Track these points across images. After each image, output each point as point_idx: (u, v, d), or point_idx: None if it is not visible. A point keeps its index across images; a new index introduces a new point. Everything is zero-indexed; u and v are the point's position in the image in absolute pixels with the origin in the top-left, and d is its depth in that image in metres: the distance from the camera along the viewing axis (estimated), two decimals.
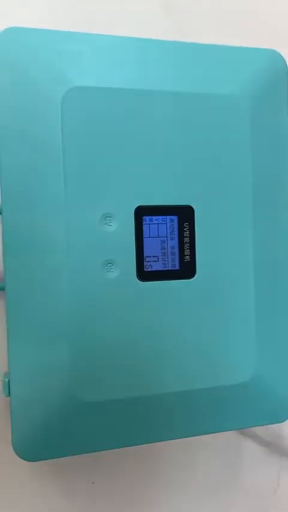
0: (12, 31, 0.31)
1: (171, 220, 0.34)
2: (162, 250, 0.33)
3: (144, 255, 0.33)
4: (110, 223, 0.32)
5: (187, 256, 0.34)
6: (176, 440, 0.35)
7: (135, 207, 0.33)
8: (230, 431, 0.44)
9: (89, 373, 0.32)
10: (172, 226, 0.34)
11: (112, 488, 0.42)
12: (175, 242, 0.34)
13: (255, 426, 0.40)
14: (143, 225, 0.33)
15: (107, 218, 0.32)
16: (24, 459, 0.32)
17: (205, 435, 0.38)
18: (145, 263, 0.33)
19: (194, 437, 0.38)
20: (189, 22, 0.43)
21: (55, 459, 0.33)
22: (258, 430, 0.46)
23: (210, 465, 0.44)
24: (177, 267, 0.34)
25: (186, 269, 0.34)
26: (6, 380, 0.32)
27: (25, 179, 0.31)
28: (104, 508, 0.42)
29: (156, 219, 0.33)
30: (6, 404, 0.38)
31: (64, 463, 0.40)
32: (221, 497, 0.45)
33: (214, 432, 0.35)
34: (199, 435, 0.35)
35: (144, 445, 0.34)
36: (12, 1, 0.39)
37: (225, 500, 0.45)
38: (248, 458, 0.45)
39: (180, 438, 0.34)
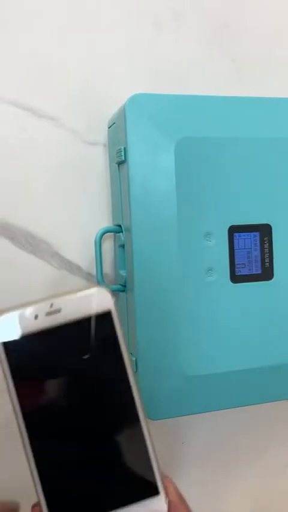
0: (136, 97, 0.41)
1: (255, 236, 0.44)
2: (248, 259, 0.44)
3: (236, 263, 0.43)
4: (209, 240, 0.43)
5: (267, 263, 0.44)
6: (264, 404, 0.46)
7: (228, 227, 0.43)
8: None
9: (197, 352, 0.42)
10: (255, 240, 0.44)
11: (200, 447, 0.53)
12: (258, 252, 0.44)
13: None
14: (234, 240, 0.43)
15: (207, 236, 0.43)
16: (152, 419, 0.43)
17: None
18: (236, 269, 0.44)
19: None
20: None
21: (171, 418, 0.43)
22: None
23: None
24: (259, 271, 0.44)
25: (267, 273, 0.44)
26: (134, 359, 0.43)
27: (149, 207, 0.41)
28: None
29: (243, 235, 0.44)
30: None
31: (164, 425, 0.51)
32: None
33: None
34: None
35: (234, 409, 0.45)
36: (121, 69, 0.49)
37: None
38: None
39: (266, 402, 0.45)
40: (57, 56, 0.47)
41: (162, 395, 0.43)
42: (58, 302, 0.30)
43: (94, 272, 0.48)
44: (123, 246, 0.45)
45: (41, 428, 0.30)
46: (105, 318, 0.30)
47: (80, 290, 0.31)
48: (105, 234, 0.47)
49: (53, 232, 0.48)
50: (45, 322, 0.30)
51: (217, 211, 0.43)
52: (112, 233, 0.48)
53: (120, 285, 0.46)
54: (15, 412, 0.30)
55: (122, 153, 0.42)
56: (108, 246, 0.49)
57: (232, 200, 0.43)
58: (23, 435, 0.30)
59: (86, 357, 0.30)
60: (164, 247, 0.42)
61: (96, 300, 0.31)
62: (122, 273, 0.45)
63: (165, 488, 0.31)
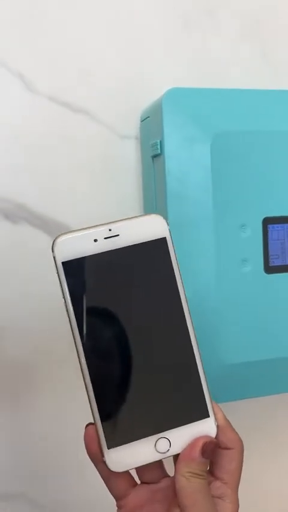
0: (173, 91, 0.42)
1: None
2: (282, 250, 0.45)
3: (269, 254, 0.44)
4: (244, 231, 0.44)
5: None
6: None
7: (262, 218, 0.44)
8: None
9: (234, 341, 0.43)
10: None
11: None
12: None
13: None
14: (268, 231, 0.44)
15: (242, 227, 0.44)
16: None
17: None
18: (270, 260, 0.44)
19: None
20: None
21: None
22: None
23: None
24: None
25: None
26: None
27: (185, 200, 0.42)
28: None
29: (277, 227, 0.44)
30: None
31: None
32: None
33: None
34: None
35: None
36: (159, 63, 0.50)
37: None
38: None
39: None
40: (92, 51, 0.48)
41: None
42: (116, 227, 0.31)
43: None
44: None
45: (98, 350, 0.31)
46: (161, 244, 0.32)
47: (137, 217, 0.32)
48: None
49: (86, 224, 0.49)
50: (104, 246, 0.31)
51: (252, 204, 0.44)
52: None
53: None
54: (72, 333, 0.31)
55: (158, 146, 0.43)
56: None
57: (266, 192, 0.44)
58: (80, 357, 0.31)
59: (141, 281, 0.32)
60: (200, 239, 0.43)
61: (152, 226, 0.32)
62: None
63: (214, 413, 0.32)
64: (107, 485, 0.32)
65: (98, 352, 0.31)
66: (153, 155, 0.44)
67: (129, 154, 0.50)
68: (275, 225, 0.44)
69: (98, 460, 0.31)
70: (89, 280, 0.31)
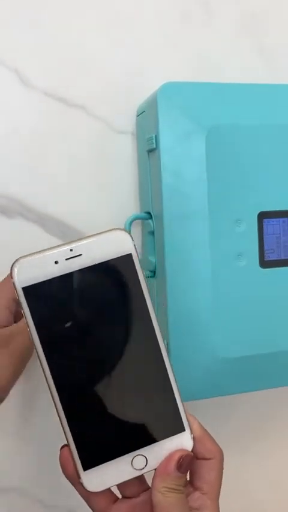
0: (168, 85, 0.42)
1: (284, 222, 0.45)
2: (277, 244, 0.45)
3: (265, 248, 0.44)
4: (239, 226, 0.44)
5: None
6: None
7: (257, 213, 0.44)
8: None
9: (229, 335, 0.43)
10: (284, 226, 0.45)
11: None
12: (287, 238, 0.45)
13: None
14: (263, 226, 0.44)
15: (237, 222, 0.44)
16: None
17: None
18: (265, 254, 0.44)
19: None
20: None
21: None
22: None
23: None
24: None
25: None
26: (166, 342, 0.44)
27: (180, 194, 0.42)
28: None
29: (272, 221, 0.44)
30: None
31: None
32: None
33: None
34: None
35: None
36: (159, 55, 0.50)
37: None
38: None
39: None
40: (88, 46, 0.48)
41: (194, 377, 0.44)
42: (77, 246, 0.30)
43: None
44: (152, 233, 0.46)
45: (66, 373, 0.30)
46: (126, 261, 0.31)
47: (99, 234, 0.31)
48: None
49: (82, 219, 0.49)
50: (66, 267, 0.30)
51: (247, 198, 0.44)
52: (140, 220, 0.48)
53: (149, 271, 0.47)
54: (39, 358, 0.30)
55: (153, 140, 0.43)
56: (134, 232, 0.50)
57: (261, 187, 0.44)
58: (49, 380, 0.30)
59: (107, 301, 0.31)
60: (194, 234, 0.43)
61: (116, 243, 0.31)
62: (151, 259, 0.46)
63: (190, 425, 0.32)
64: (88, 504, 0.32)
65: (67, 375, 0.31)
66: (148, 150, 0.44)
67: (125, 150, 0.50)
68: (271, 220, 0.44)
69: (76, 481, 0.31)
70: (52, 304, 0.30)
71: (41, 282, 0.30)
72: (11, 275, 0.30)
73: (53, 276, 0.30)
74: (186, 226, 0.43)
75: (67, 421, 0.30)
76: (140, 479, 0.33)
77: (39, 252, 0.30)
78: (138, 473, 0.31)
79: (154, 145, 0.43)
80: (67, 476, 0.31)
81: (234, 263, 0.44)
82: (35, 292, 0.30)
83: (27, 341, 0.34)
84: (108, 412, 0.31)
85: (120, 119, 0.49)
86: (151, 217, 0.46)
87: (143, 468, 0.31)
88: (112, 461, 0.31)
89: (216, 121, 0.43)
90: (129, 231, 0.47)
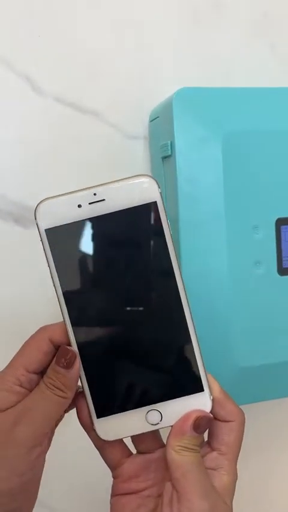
0: (183, 91, 0.41)
1: None
2: None
3: (283, 255, 0.44)
4: (257, 233, 0.43)
5: None
6: None
7: (275, 219, 0.43)
8: None
9: (248, 343, 0.43)
10: None
11: None
12: None
13: None
14: (281, 232, 0.43)
15: (255, 229, 0.43)
16: None
17: None
18: (283, 261, 0.44)
19: None
20: None
21: None
22: None
23: None
24: None
25: None
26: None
27: (196, 201, 0.42)
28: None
29: None
30: None
31: None
32: None
33: None
34: None
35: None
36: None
37: None
38: None
39: None
40: (99, 50, 0.47)
41: None
42: (102, 191, 0.30)
43: None
44: None
45: (85, 319, 0.30)
46: (150, 209, 0.30)
47: (124, 179, 0.30)
48: None
49: None
50: (89, 212, 0.29)
51: (264, 204, 0.43)
52: None
53: None
54: (59, 302, 0.29)
55: (168, 147, 0.42)
56: None
57: (279, 193, 0.43)
58: (67, 324, 0.29)
59: (129, 249, 0.30)
60: (211, 241, 0.42)
61: (142, 189, 0.30)
62: None
63: (210, 386, 0.31)
64: (101, 455, 0.32)
65: (85, 321, 0.30)
66: (163, 156, 0.44)
67: (138, 155, 0.49)
68: None
69: (89, 429, 0.31)
70: (73, 248, 0.29)
71: (63, 225, 0.29)
72: (34, 216, 0.29)
73: (76, 220, 0.29)
74: (203, 234, 0.42)
75: (83, 367, 0.30)
76: (156, 435, 0.32)
77: (63, 194, 0.30)
78: (152, 428, 0.31)
79: (169, 152, 0.42)
80: (81, 423, 0.31)
81: (252, 270, 0.43)
82: (58, 235, 0.29)
83: (49, 411, 0.30)
84: (126, 362, 0.30)
85: (132, 124, 0.48)
86: None
87: (158, 424, 0.31)
88: (126, 412, 0.30)
89: (233, 126, 0.42)
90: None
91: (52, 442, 0.32)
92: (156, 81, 0.49)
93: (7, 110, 0.45)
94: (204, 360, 0.42)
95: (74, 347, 0.30)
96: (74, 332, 0.30)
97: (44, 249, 0.29)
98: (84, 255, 0.30)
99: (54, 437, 0.32)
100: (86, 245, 0.29)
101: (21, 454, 0.29)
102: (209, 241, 0.42)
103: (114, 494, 0.32)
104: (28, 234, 0.46)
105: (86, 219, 0.29)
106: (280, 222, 0.43)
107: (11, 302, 0.46)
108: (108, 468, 0.33)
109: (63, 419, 0.32)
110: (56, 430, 0.32)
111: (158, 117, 0.45)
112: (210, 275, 0.42)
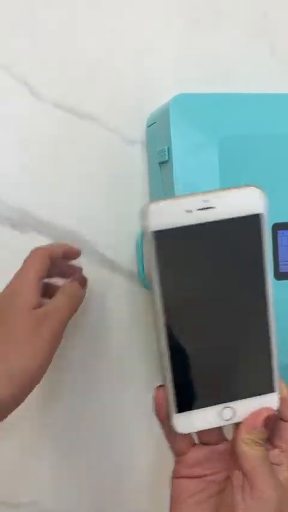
0: (180, 97, 0.42)
1: None
2: None
3: (279, 260, 0.44)
4: None
5: None
6: None
7: (272, 224, 0.43)
8: None
9: None
10: None
11: None
12: None
13: None
14: (278, 237, 0.43)
15: None
16: None
17: None
18: (280, 266, 0.44)
19: None
20: None
21: None
22: None
23: None
24: None
25: None
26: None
27: None
28: None
29: (287, 232, 0.44)
30: None
31: None
32: None
33: None
34: None
35: None
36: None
37: None
38: None
39: None
40: (97, 55, 0.47)
41: None
42: (212, 198, 0.30)
43: (135, 271, 0.49)
44: None
45: (177, 317, 0.31)
46: (256, 219, 0.31)
47: (234, 188, 0.31)
48: None
49: (93, 231, 0.49)
50: (197, 218, 0.30)
51: None
52: None
53: None
54: (154, 301, 0.31)
55: (166, 153, 0.42)
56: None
57: (275, 198, 0.43)
58: (159, 322, 0.31)
59: (229, 256, 0.31)
60: None
61: (249, 200, 0.31)
62: None
63: (279, 386, 0.33)
64: (168, 442, 0.35)
65: (179, 320, 0.31)
66: (160, 161, 0.44)
67: (136, 159, 0.49)
68: (285, 231, 0.44)
69: (165, 421, 0.33)
70: (178, 252, 0.31)
71: (171, 229, 0.30)
72: (142, 217, 0.30)
73: (184, 225, 0.30)
74: None
75: (170, 364, 0.31)
76: (220, 430, 0.35)
77: (172, 198, 0.31)
78: (224, 423, 0.33)
79: (166, 158, 0.42)
80: (158, 415, 0.34)
81: None
82: (164, 238, 0.30)
83: (63, 320, 0.39)
84: (208, 363, 0.32)
85: (130, 129, 0.49)
86: None
87: (229, 419, 0.33)
88: (204, 408, 0.32)
89: (229, 132, 0.42)
90: (141, 244, 0.46)
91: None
92: (155, 84, 0.49)
93: (6, 115, 0.46)
94: None
95: (164, 343, 0.31)
96: (166, 333, 0.31)
97: (149, 250, 0.30)
98: (188, 260, 0.31)
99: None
100: (191, 250, 0.31)
101: (44, 347, 0.37)
102: None
103: (177, 476, 0.35)
104: (25, 239, 0.46)
105: (194, 225, 0.30)
106: (277, 227, 0.43)
107: None
108: None
109: None
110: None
111: (155, 122, 0.45)
112: None
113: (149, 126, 0.47)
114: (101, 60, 0.48)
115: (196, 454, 0.35)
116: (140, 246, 0.47)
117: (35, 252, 0.41)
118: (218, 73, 0.51)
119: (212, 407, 0.32)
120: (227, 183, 0.42)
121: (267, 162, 0.43)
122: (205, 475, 0.35)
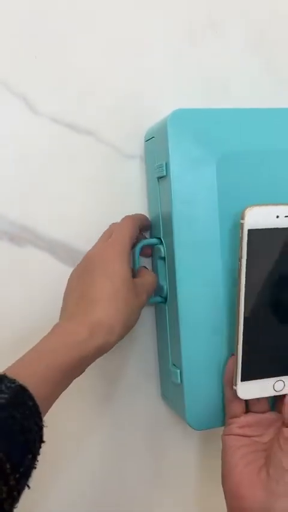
0: (178, 112, 0.42)
1: None
2: None
3: None
4: None
5: None
6: None
7: None
8: None
9: None
10: None
11: None
12: None
13: None
14: None
15: None
16: (196, 429, 0.43)
17: None
18: None
19: None
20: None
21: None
22: None
23: None
24: None
25: None
26: (178, 371, 0.43)
27: (191, 221, 0.42)
28: None
29: None
30: None
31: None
32: None
33: None
34: None
35: None
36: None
37: None
38: None
39: None
40: (95, 70, 0.48)
41: (207, 405, 0.43)
42: None
43: None
44: (163, 259, 0.45)
45: (256, 306, 0.40)
46: None
47: None
48: None
49: (91, 245, 0.48)
50: (283, 222, 0.39)
51: None
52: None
53: (160, 296, 0.46)
54: (239, 289, 0.40)
55: (164, 168, 0.42)
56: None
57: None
58: (240, 307, 0.40)
59: None
60: (207, 262, 0.43)
61: None
62: (163, 284, 0.46)
63: None
64: (227, 406, 0.43)
65: (257, 308, 0.40)
66: (158, 176, 0.44)
67: (134, 174, 0.49)
68: None
69: (230, 386, 0.42)
70: (265, 248, 0.39)
71: (262, 229, 0.39)
72: (242, 217, 0.39)
73: (273, 227, 0.39)
74: (198, 253, 0.42)
75: (242, 340, 0.40)
76: (268, 402, 0.43)
77: (266, 204, 0.39)
78: (275, 394, 0.42)
79: (164, 173, 0.42)
80: (225, 381, 0.43)
81: None
82: (255, 236, 0.39)
83: (149, 296, 0.44)
84: (270, 343, 0.42)
85: (128, 143, 0.49)
86: (161, 243, 0.46)
87: (280, 391, 0.42)
88: (263, 379, 0.42)
89: (227, 147, 0.42)
90: (138, 257, 0.46)
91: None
92: (151, 99, 0.49)
93: (4, 130, 0.46)
94: (201, 378, 0.43)
95: (241, 322, 0.40)
96: (243, 318, 0.40)
97: (242, 245, 0.39)
98: (272, 254, 0.40)
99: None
100: (275, 247, 0.40)
101: (137, 313, 0.42)
102: (204, 261, 0.42)
103: (228, 434, 0.42)
104: (22, 253, 0.46)
105: (280, 228, 0.39)
106: None
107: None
108: None
109: None
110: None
111: (153, 137, 0.45)
112: (206, 294, 0.43)
113: (147, 141, 0.48)
114: (99, 74, 0.48)
115: (247, 418, 0.42)
116: (137, 260, 0.47)
117: (130, 219, 0.46)
118: (215, 88, 0.51)
119: (269, 379, 0.42)
120: (225, 198, 0.42)
121: (265, 178, 0.43)
122: (254, 436, 0.42)
